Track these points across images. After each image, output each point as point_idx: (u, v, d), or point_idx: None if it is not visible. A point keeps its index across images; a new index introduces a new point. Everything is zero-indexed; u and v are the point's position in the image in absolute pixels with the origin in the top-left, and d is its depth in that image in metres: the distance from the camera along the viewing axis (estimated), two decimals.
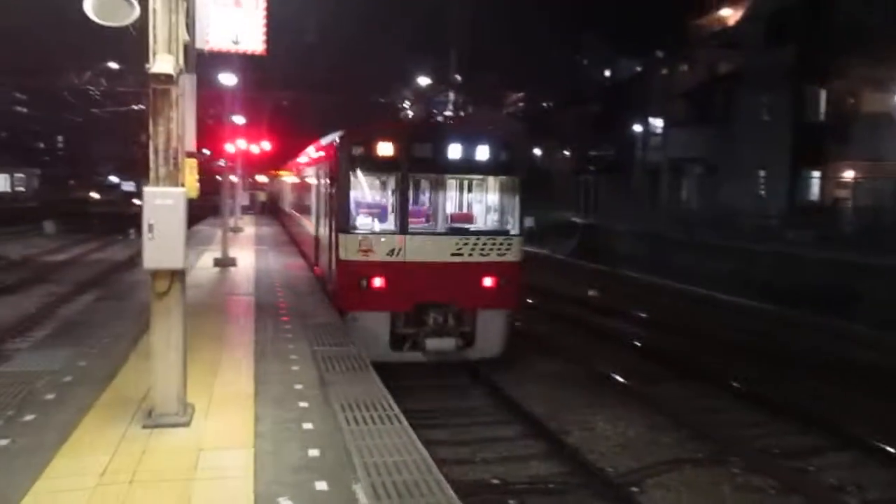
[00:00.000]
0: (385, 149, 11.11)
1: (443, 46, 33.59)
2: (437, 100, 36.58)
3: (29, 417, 6.00)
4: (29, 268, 23.55)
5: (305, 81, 34.90)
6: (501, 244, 11.44)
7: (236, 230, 28.29)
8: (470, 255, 11.24)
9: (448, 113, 20.93)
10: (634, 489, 7.66)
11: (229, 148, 26.20)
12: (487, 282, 11.30)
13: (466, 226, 11.70)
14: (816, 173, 28.52)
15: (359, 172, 11.40)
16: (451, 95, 33.88)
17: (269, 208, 46.05)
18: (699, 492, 7.68)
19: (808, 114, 28.41)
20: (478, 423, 9.59)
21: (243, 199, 36.79)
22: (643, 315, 16.94)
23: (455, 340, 11.11)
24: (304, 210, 18.90)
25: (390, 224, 11.33)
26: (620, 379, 11.31)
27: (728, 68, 35.53)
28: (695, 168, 35.22)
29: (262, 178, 52.44)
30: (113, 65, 26.23)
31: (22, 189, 49.22)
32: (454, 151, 11.26)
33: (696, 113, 35.70)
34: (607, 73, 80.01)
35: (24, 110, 58.94)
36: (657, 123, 39.62)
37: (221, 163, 22.36)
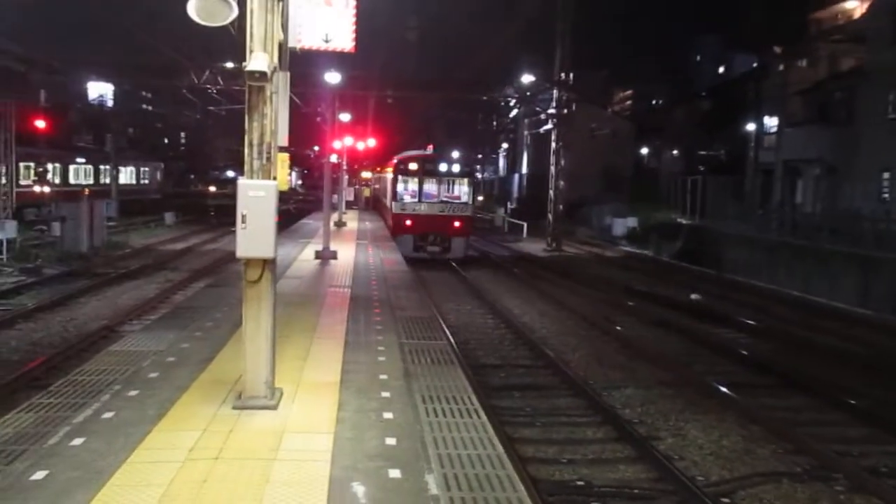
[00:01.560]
0: (413, 165, 25.95)
1: (549, 44, 33.28)
2: (541, 97, 36.32)
3: (133, 393, 6.43)
4: (150, 256, 25.09)
5: (410, 79, 35.36)
6: (461, 208, 25.28)
7: (339, 225, 29.12)
8: (448, 212, 25.01)
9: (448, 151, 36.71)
10: (725, 500, 7.37)
11: (335, 145, 27.00)
12: (455, 224, 25.05)
13: (446, 199, 25.32)
14: None
15: (400, 175, 25.71)
16: (556, 93, 33.54)
17: (372, 203, 47.15)
18: None
19: None
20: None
21: (348, 194, 37.83)
22: (749, 322, 16.17)
23: (440, 248, 24.91)
24: (384, 194, 32.73)
25: (415, 198, 25.34)
26: (718, 387, 10.85)
27: (850, 64, 33.50)
28: (812, 169, 33.38)
29: (366, 175, 53.66)
30: (229, 64, 27.50)
31: (146, 182, 52.39)
32: (443, 167, 25.63)
33: (815, 111, 33.85)
34: (721, 69, 77.23)
35: (150, 108, 62.89)
36: (772, 122, 37.78)
37: (333, 159, 23.20)
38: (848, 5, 38.85)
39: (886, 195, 27.83)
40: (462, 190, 25.22)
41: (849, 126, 30.54)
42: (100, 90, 53.25)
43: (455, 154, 33.63)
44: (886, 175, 28.16)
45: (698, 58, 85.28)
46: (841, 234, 22.26)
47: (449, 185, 25.27)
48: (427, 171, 25.22)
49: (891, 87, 27.77)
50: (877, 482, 7.67)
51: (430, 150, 32.67)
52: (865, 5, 34.61)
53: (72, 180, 39.77)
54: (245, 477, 4.75)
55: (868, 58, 30.54)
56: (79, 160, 41.93)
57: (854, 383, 11.42)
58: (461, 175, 25.44)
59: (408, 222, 24.77)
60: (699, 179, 33.94)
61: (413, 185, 25.26)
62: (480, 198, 31.71)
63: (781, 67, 38.18)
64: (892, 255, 19.37)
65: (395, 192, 25.22)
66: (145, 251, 26.55)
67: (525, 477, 6.93)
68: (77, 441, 5.24)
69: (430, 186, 25.18)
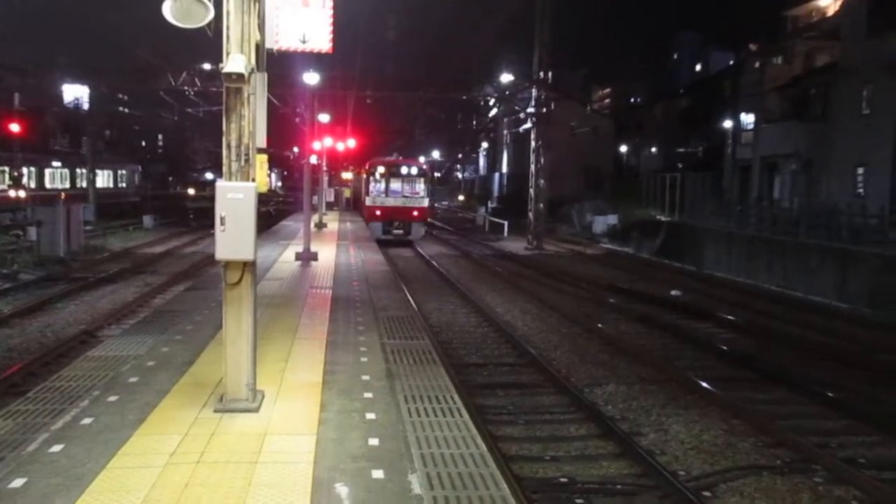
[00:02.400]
0: (381, 169, 32.57)
1: (529, 44, 33.33)
2: (521, 96, 36.40)
3: (112, 398, 6.37)
4: (129, 259, 24.85)
5: (389, 80, 35.31)
6: (419, 200, 32.15)
7: (320, 226, 29.03)
8: (408, 204, 31.78)
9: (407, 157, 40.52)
10: (707, 494, 7.43)
11: (315, 145, 26.89)
12: (414, 213, 31.86)
13: (408, 194, 31.92)
14: None
15: (371, 177, 32.39)
16: (535, 92, 33.63)
17: (352, 201, 47.13)
18: (776, 500, 7.38)
19: None
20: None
21: (328, 195, 37.77)
22: (729, 317, 16.31)
23: (402, 232, 31.63)
24: (360, 191, 40.10)
25: (383, 193, 31.92)
26: (700, 382, 10.94)
27: (825, 60, 33.93)
28: (789, 165, 33.79)
29: (347, 175, 53.68)
30: (206, 66, 27.30)
31: (124, 185, 51.88)
32: (405, 170, 32.67)
33: (791, 107, 34.28)
34: (698, 67, 77.86)
35: (127, 111, 62.25)
36: (749, 119, 38.20)
37: (313, 160, 23.12)
38: (822, 3, 39.35)
39: (861, 190, 28.23)
40: (419, 187, 32.56)
41: (824, 122, 30.95)
42: (75, 93, 52.62)
43: (414, 160, 40.39)
44: (861, 170, 28.57)
45: (676, 56, 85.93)
46: (818, 228, 22.52)
47: (410, 183, 32.39)
48: (392, 173, 32.49)
49: (864, 83, 28.18)
50: (855, 473, 7.77)
51: (395, 156, 39.54)
52: (839, 3, 35.05)
53: (48, 184, 39.33)
54: (227, 480, 4.72)
55: (842, 54, 30.96)
56: (55, 164, 41.45)
57: (832, 376, 11.58)
58: (419, 176, 32.92)
59: (378, 212, 31.95)
60: (678, 176, 34.21)
61: (382, 184, 32.22)
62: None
63: (758, 64, 38.69)
64: (869, 249, 19.64)
65: (367, 190, 32.86)
66: (124, 255, 26.28)
67: (508, 475, 6.95)
68: (56, 448, 5.19)
69: (395, 185, 32.24)
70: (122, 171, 51.88)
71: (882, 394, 10.69)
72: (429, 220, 37.86)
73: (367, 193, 32.58)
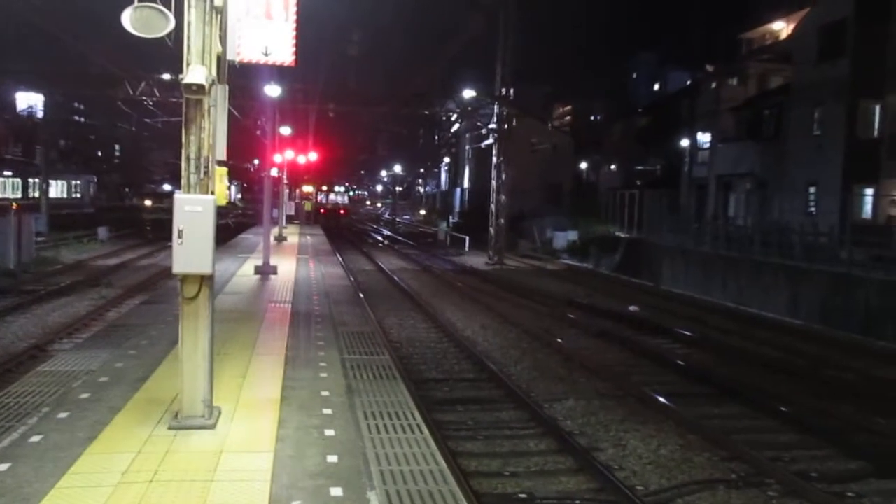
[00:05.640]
0: (325, 186, 67.51)
1: (491, 60, 33.65)
2: (483, 112, 36.66)
3: (62, 415, 6.20)
4: (83, 272, 24.26)
5: (352, 94, 35.30)
6: (343, 204, 69.52)
7: (280, 239, 28.77)
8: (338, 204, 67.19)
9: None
10: None
11: (276, 158, 26.70)
12: (341, 210, 64.62)
13: (337, 201, 69.06)
14: (870, 190, 27.69)
15: (320, 191, 66.64)
16: (497, 108, 33.91)
17: (313, 217, 46.90)
18: None
19: (861, 129, 27.60)
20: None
21: (288, 208, 37.45)
22: (686, 333, 16.57)
23: (335, 221, 58.37)
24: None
25: (323, 199, 65.81)
26: (657, 397, 11.07)
27: (779, 82, 34.88)
28: (743, 183, 34.58)
29: (308, 189, 54.21)
30: (166, 76, 26.93)
31: (78, 196, 50.76)
32: (336, 188, 74.47)
33: (746, 127, 35.11)
34: (656, 86, 79.42)
35: (83, 120, 61.04)
36: (705, 138, 39.04)
37: (274, 173, 22.93)
38: (775, 26, 40.50)
39: (813, 208, 29.00)
40: (343, 197, 57.74)
41: (777, 142, 31.74)
42: (29, 100, 51.52)
43: (340, 181, 61.93)
44: (812, 189, 29.36)
45: (635, 75, 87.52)
46: (771, 246, 23.05)
47: (337, 195, 54.94)
48: (329, 189, 61.03)
49: (815, 105, 29.01)
50: (807, 486, 7.93)
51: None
52: (791, 26, 36.12)
53: None
54: (181, 499, 4.62)
55: (794, 76, 31.85)
56: (6, 173, 40.38)
57: (785, 391, 11.81)
58: (344, 191, 57.95)
59: (322, 209, 57.65)
60: (636, 193, 34.76)
61: (322, 195, 59.94)
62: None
63: (714, 85, 39.58)
64: (820, 266, 20.16)
65: (317, 197, 56.26)
66: (77, 267, 25.66)
67: (468, 491, 6.93)
68: (2, 467, 5.02)
69: (329, 196, 60.93)
70: (76, 181, 50.79)
71: (832, 408, 10.94)
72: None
73: (317, 199, 59.36)
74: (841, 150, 27.63)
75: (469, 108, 36.69)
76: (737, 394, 11.54)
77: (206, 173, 5.76)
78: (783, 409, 10.67)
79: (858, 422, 10.34)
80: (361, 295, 18.71)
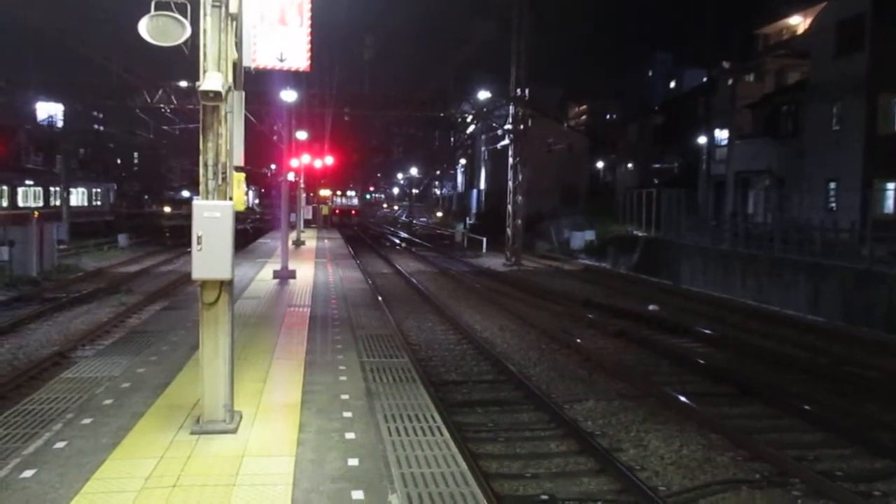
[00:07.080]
0: (339, 191, 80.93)
1: (506, 61, 33.59)
2: (498, 113, 36.62)
3: (86, 421, 6.26)
4: (103, 279, 24.52)
5: (367, 97, 35.37)
6: (355, 205, 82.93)
7: (298, 244, 28.90)
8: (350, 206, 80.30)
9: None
10: None
11: (292, 163, 26.84)
12: (353, 211, 78.37)
13: (349, 203, 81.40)
14: (891, 185, 27.36)
15: (334, 195, 77.84)
16: (512, 109, 33.86)
17: (331, 221, 47.05)
18: None
19: (881, 124, 27.29)
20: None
21: (306, 212, 37.62)
22: (706, 332, 16.43)
23: (348, 220, 72.34)
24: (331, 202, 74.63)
25: (337, 202, 76.88)
26: (678, 397, 10.99)
27: (796, 78, 34.56)
28: (762, 180, 34.27)
29: (325, 192, 54.47)
30: (182, 83, 27.17)
31: (98, 203, 51.33)
32: (348, 192, 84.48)
33: (763, 124, 34.82)
34: (672, 84, 78.89)
35: (101, 128, 61.75)
36: (722, 135, 38.74)
37: (290, 177, 23.05)
38: (792, 21, 40.10)
39: (833, 205, 28.69)
40: (355, 199, 70.35)
41: (795, 138, 31.46)
42: (49, 110, 52.16)
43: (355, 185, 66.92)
44: (832, 185, 29.05)
45: (651, 73, 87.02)
46: (792, 243, 22.82)
47: (349, 198, 69.66)
48: (342, 193, 70.13)
49: (834, 101, 28.72)
50: (831, 486, 7.84)
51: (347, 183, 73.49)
52: (808, 21, 35.77)
53: (20, 203, 38.76)
54: None
55: (812, 72, 31.55)
56: (28, 182, 40.90)
57: (807, 389, 11.69)
58: (355, 196, 68.15)
59: (337, 210, 63.40)
60: (653, 192, 34.52)
61: (337, 198, 65.88)
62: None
63: (730, 82, 39.26)
64: (840, 262, 19.93)
65: (333, 201, 56.18)
66: (98, 274, 25.94)
67: (489, 493, 6.92)
68: (28, 473, 5.08)
69: (343, 199, 69.25)
70: (96, 189, 51.33)
71: (856, 406, 10.81)
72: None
73: (332, 202, 62.49)
74: (861, 145, 27.33)
75: (484, 110, 36.66)
76: (758, 393, 11.43)
77: (223, 179, 5.80)
78: (806, 407, 10.56)
79: (883, 420, 10.22)
80: (379, 298, 18.75)
